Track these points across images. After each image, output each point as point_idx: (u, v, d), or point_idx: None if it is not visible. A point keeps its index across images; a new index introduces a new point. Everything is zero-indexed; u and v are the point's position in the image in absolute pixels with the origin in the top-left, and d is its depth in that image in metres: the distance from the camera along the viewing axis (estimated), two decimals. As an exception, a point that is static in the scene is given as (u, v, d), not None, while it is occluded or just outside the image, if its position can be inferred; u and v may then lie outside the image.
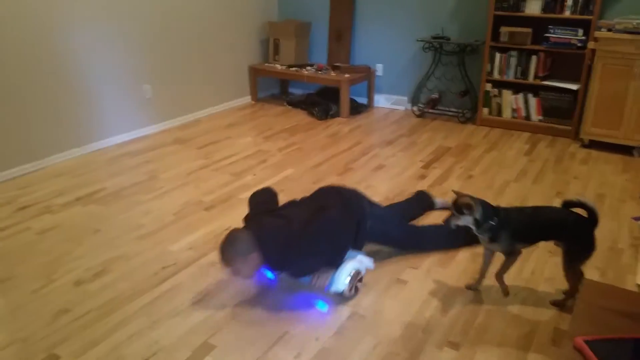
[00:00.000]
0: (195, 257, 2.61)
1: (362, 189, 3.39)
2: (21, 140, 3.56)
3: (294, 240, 2.14)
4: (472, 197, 2.07)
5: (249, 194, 3.28)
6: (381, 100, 5.44)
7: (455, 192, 2.15)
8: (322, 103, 5.08)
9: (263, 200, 2.54)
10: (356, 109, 5.18)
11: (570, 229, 2.12)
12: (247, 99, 5.56)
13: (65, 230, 2.86)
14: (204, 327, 2.10)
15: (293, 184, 3.47)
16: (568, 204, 2.14)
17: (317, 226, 2.18)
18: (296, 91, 5.94)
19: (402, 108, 5.33)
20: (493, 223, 2.08)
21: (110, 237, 2.79)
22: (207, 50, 4.92)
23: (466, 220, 2.07)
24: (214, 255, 2.61)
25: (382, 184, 3.48)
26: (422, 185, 3.45)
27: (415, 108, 5.15)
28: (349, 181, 3.52)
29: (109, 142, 4.18)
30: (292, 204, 2.51)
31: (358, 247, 2.38)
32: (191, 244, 2.73)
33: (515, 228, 2.13)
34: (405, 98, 5.31)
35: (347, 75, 4.99)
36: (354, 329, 2.10)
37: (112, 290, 2.33)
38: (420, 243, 2.68)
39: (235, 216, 3.03)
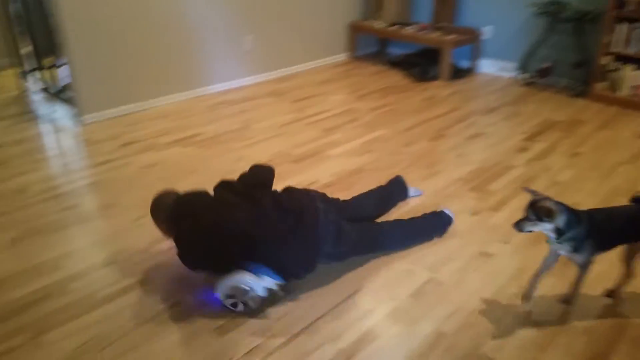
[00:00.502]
0: (281, 206, 2.67)
1: (454, 156, 3.28)
2: (132, 81, 3.79)
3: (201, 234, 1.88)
4: (553, 201, 1.76)
5: (337, 150, 3.32)
6: (486, 66, 5.16)
7: (530, 192, 1.83)
8: (421, 64, 4.92)
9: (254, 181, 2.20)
10: (457, 73, 4.96)
11: None
12: (344, 56, 5.51)
13: (165, 167, 3.03)
14: (283, 273, 2.17)
15: (383, 145, 3.42)
16: (637, 200, 1.92)
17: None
18: (395, 51, 5.78)
19: (508, 75, 5.03)
20: (581, 230, 1.79)
21: (205, 178, 2.92)
22: (309, 5, 4.90)
23: (544, 228, 1.78)
24: (299, 207, 2.66)
25: (477, 153, 3.34)
26: (522, 159, 3.27)
27: (523, 76, 4.83)
28: (441, 147, 3.41)
29: (209, 90, 4.34)
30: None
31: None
32: (278, 194, 2.79)
33: (602, 235, 1.84)
34: (513, 65, 5.00)
35: (450, 37, 4.76)
36: (430, 294, 2.07)
37: (202, 228, 2.46)
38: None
39: (321, 171, 3.05)
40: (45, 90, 4.19)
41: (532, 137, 3.61)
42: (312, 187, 2.85)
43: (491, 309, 2.00)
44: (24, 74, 4.29)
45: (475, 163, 3.20)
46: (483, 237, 2.46)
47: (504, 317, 1.95)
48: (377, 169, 3.09)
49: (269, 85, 4.59)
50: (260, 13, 4.49)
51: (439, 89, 4.62)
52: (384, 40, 5.79)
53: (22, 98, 4.08)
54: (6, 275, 2.12)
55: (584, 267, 1.90)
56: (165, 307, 1.95)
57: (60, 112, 3.79)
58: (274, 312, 1.95)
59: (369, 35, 5.60)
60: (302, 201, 2.04)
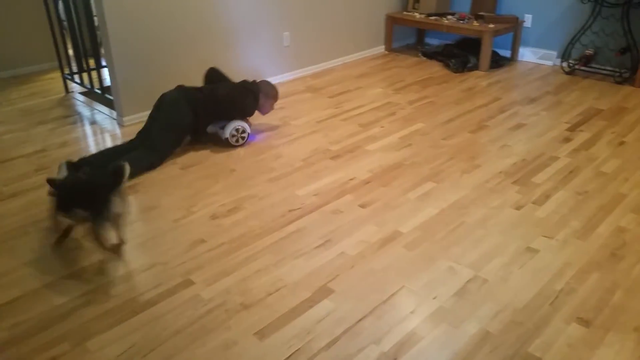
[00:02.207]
0: (319, 203, 2.68)
1: (496, 148, 3.22)
2: (169, 82, 3.85)
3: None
4: None
5: (375, 145, 3.30)
6: (527, 54, 5.02)
7: None
8: (460, 55, 4.82)
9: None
10: (497, 63, 4.85)
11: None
12: (381, 48, 5.46)
13: (205, 167, 3.08)
14: (324, 271, 2.18)
15: (422, 139, 3.38)
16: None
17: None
18: (433, 41, 5.69)
19: (550, 64, 4.88)
20: None
21: (244, 177, 2.96)
22: (345, -3, 4.87)
23: None
24: (338, 204, 2.66)
25: (520, 145, 3.26)
26: (566, 150, 3.17)
27: (565, 64, 4.68)
28: (482, 139, 3.34)
29: (246, 87, 4.37)
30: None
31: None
32: (317, 190, 2.80)
33: None
34: (555, 53, 4.84)
35: (491, 26, 4.65)
36: (475, 293, 2.03)
37: (243, 227, 2.49)
38: None
39: (360, 167, 3.04)
40: (88, 92, 4.31)
41: (575, 127, 3.50)
42: (349, 184, 2.85)
43: (538, 306, 1.95)
44: (68, 76, 4.43)
45: (518, 155, 3.12)
46: (527, 232, 2.40)
47: (551, 315, 1.91)
48: (416, 164, 3.06)
49: (306, 81, 4.60)
50: (297, 8, 4.49)
51: (478, 79, 4.53)
52: (421, 32, 5.70)
53: (66, 100, 4.21)
54: (48, 281, 2.15)
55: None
56: (206, 311, 1.98)
57: (102, 114, 3.90)
58: (315, 313, 1.96)
59: (406, 27, 5.53)
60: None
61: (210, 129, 3.35)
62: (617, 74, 4.40)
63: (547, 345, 1.77)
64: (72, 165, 2.66)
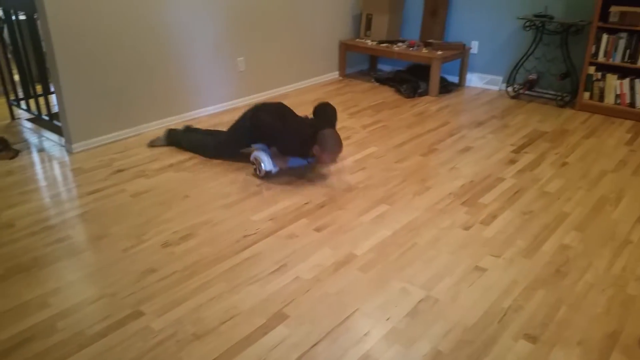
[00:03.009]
0: (274, 228, 2.68)
1: (446, 171, 3.31)
2: (121, 107, 3.80)
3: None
4: None
5: (330, 170, 3.33)
6: (474, 80, 5.22)
7: None
8: (411, 80, 4.97)
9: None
10: (446, 88, 5.02)
11: None
12: (335, 74, 5.56)
13: (157, 194, 3.04)
14: (279, 296, 2.17)
15: (376, 162, 3.45)
16: None
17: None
18: (385, 67, 5.85)
19: (495, 88, 5.09)
20: None
21: (198, 203, 2.93)
22: (300, 24, 4.96)
23: None
24: (293, 228, 2.67)
25: (468, 167, 3.36)
26: (512, 171, 3.30)
27: (510, 89, 4.90)
28: (433, 162, 3.44)
29: (202, 113, 4.36)
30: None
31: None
32: (272, 215, 2.80)
33: None
34: (500, 78, 5.06)
35: (439, 53, 4.83)
36: (427, 313, 2.07)
37: (196, 254, 2.45)
38: None
39: (315, 190, 3.06)
40: (35, 118, 4.20)
41: (520, 149, 3.65)
42: (305, 208, 2.87)
43: (486, 324, 2.00)
44: (14, 102, 4.31)
45: (466, 177, 3.23)
46: (476, 251, 2.47)
47: (499, 333, 1.96)
48: (370, 187, 3.11)
49: (260, 106, 4.61)
50: (251, 34, 4.53)
51: (429, 104, 4.67)
52: (374, 58, 5.86)
53: (12, 127, 4.08)
54: (-6, 312, 2.06)
55: None
56: (156, 343, 1.93)
57: (50, 141, 3.80)
58: (269, 340, 1.94)
59: (359, 53, 5.67)
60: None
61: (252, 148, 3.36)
62: (559, 97, 4.63)
63: (496, 363, 1.82)
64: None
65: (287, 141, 3.16)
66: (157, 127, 4.05)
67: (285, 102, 4.70)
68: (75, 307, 2.11)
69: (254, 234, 2.63)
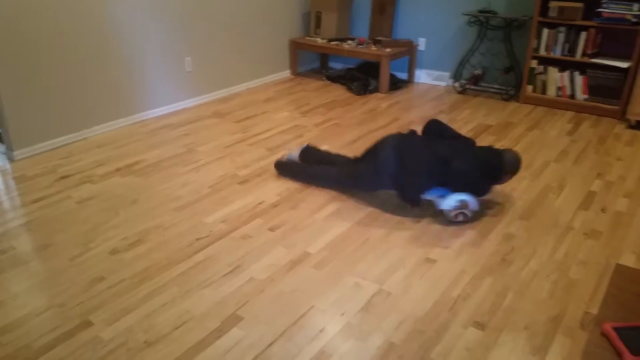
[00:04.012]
0: (228, 229, 2.66)
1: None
2: (64, 111, 3.68)
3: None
4: None
5: (282, 168, 3.34)
6: (422, 76, 5.32)
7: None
8: (361, 78, 5.02)
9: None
10: (396, 85, 5.10)
11: None
12: (287, 73, 5.56)
13: (104, 200, 2.96)
14: (233, 298, 2.15)
15: (327, 160, 3.47)
16: None
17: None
18: (336, 65, 5.88)
19: (443, 84, 5.21)
20: None
21: (147, 207, 2.87)
22: (249, 23, 4.92)
23: None
24: (247, 229, 2.66)
25: (418, 162, 3.43)
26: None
27: (457, 84, 5.02)
28: (383, 158, 3.49)
29: (149, 115, 4.27)
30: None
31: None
32: (225, 217, 2.78)
33: None
34: (447, 74, 5.18)
35: (388, 50, 4.89)
36: (380, 306, 2.10)
37: (146, 260, 2.41)
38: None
39: (269, 190, 3.06)
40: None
41: (469, 143, 3.74)
42: (258, 209, 2.86)
43: (437, 313, 2.05)
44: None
45: (417, 172, 3.29)
46: (426, 243, 2.53)
47: (449, 321, 2.01)
48: (322, 185, 3.13)
49: (211, 107, 4.57)
50: (198, 34, 4.47)
51: (379, 101, 4.73)
52: (325, 56, 5.88)
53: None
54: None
55: None
56: (106, 352, 1.88)
57: (-8, 149, 3.64)
58: (224, 343, 1.93)
59: (310, 52, 5.68)
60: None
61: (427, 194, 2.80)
62: (504, 91, 4.77)
63: (447, 351, 1.87)
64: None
65: (484, 186, 2.78)
66: (104, 131, 3.95)
67: (236, 102, 4.67)
68: (20, 320, 2.03)
69: (207, 236, 2.60)
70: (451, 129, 2.97)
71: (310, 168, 3.16)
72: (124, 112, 4.09)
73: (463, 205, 2.66)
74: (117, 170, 3.33)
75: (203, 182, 3.16)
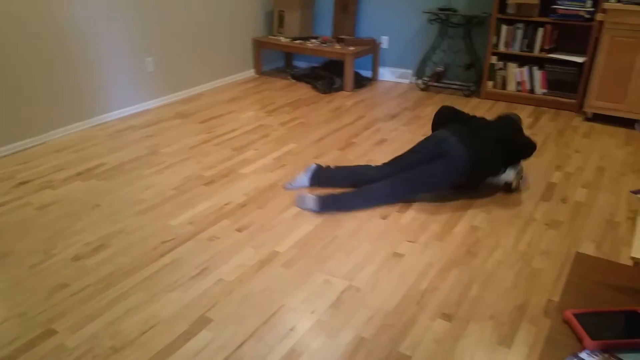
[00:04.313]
0: (194, 231, 2.63)
1: (363, 162, 3.39)
2: (22, 115, 3.57)
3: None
4: None
5: (250, 168, 3.31)
6: (386, 74, 5.37)
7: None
8: (326, 76, 5.03)
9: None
10: (360, 83, 5.13)
11: None
12: (251, 72, 5.52)
13: (65, 205, 2.88)
14: (202, 301, 2.13)
15: (295, 158, 3.46)
16: None
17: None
18: (301, 64, 5.88)
19: (406, 81, 5.27)
20: None
21: (110, 212, 2.81)
22: (211, 23, 4.87)
23: None
24: (214, 230, 2.63)
25: (384, 159, 3.45)
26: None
27: (420, 81, 5.08)
28: (350, 156, 3.51)
29: (110, 117, 4.18)
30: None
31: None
32: (191, 219, 2.74)
33: None
34: (410, 71, 5.24)
35: (351, 48, 4.92)
36: (349, 302, 2.11)
37: (110, 265, 2.35)
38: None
39: (235, 191, 3.03)
40: None
41: (433, 138, 3.79)
42: (225, 209, 2.83)
43: (406, 307, 2.08)
44: None
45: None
46: (393, 239, 2.55)
47: (418, 314, 2.03)
48: (289, 184, 3.12)
49: (175, 107, 4.50)
50: (159, 33, 4.40)
51: (344, 99, 4.75)
52: (289, 55, 5.87)
53: None
54: None
55: None
56: (74, 359, 1.84)
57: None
58: (193, 346, 1.90)
59: (274, 51, 5.66)
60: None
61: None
62: (465, 87, 4.86)
63: (416, 343, 1.89)
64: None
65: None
66: (62, 135, 3.84)
67: (200, 103, 4.62)
68: (-22, 332, 1.96)
69: (173, 239, 2.56)
70: (462, 112, 3.15)
71: (349, 194, 2.86)
72: (84, 115, 3.98)
73: (520, 170, 3.02)
74: (78, 174, 3.25)
75: (167, 184, 3.11)
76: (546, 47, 4.29)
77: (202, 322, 2.01)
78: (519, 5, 4.26)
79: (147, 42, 4.32)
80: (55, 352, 1.86)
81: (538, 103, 4.48)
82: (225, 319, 2.02)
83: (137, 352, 1.86)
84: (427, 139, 2.94)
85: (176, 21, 4.53)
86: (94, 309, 2.08)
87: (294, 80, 5.33)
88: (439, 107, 4.45)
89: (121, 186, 3.09)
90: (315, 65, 5.53)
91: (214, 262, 2.38)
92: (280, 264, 2.37)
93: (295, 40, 5.25)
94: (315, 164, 3.11)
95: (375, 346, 1.88)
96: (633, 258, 2.02)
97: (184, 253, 2.45)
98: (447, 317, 2.02)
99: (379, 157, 3.48)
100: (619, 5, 3.71)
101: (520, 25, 4.34)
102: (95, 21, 3.89)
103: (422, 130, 3.95)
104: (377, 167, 3.01)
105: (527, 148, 2.92)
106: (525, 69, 4.44)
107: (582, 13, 4.05)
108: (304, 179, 3.05)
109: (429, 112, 4.37)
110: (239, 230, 2.64)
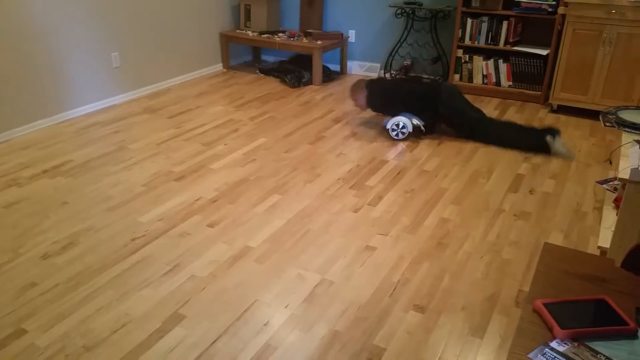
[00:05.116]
0: (165, 228, 2.60)
1: (334, 157, 3.41)
2: (-17, 112, 3.46)
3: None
4: None
5: (220, 163, 3.29)
6: (354, 67, 5.39)
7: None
8: (295, 70, 5.02)
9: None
10: (329, 76, 5.14)
11: None
12: (219, 66, 5.46)
13: (32, 203, 2.81)
14: (174, 297, 2.11)
15: (265, 153, 3.46)
16: None
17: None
18: (269, 58, 5.85)
19: (374, 75, 5.30)
20: None
21: (78, 209, 2.75)
22: (177, 17, 4.79)
23: None
24: (185, 226, 2.61)
25: (354, 152, 3.49)
26: (393, 153, 3.47)
27: (387, 75, 5.12)
28: (321, 150, 3.52)
29: (76, 113, 4.08)
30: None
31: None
32: (161, 215, 2.71)
33: None
34: (378, 65, 5.27)
35: (319, 42, 4.92)
36: (323, 296, 2.13)
37: (80, 263, 2.31)
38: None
39: (206, 186, 3.01)
40: None
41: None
42: (196, 205, 2.81)
43: (378, 300, 2.11)
44: None
45: (353, 161, 3.34)
46: (365, 232, 2.58)
47: (391, 306, 2.07)
48: (261, 178, 3.12)
49: (142, 102, 4.43)
50: (124, 28, 4.31)
51: (313, 93, 4.75)
52: (257, 49, 5.83)
53: None
54: None
55: None
56: (45, 359, 1.80)
57: None
58: (166, 343, 1.89)
59: (242, 45, 5.61)
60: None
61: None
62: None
63: (389, 335, 1.92)
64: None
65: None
66: (27, 132, 3.73)
67: (168, 97, 4.56)
68: (-59, 336, 1.90)
69: (143, 236, 2.53)
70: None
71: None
72: (49, 112, 3.88)
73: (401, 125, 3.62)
74: (45, 172, 3.17)
75: (136, 181, 3.07)
76: (511, 40, 4.39)
77: (175, 319, 2.00)
78: None
79: (112, 37, 4.22)
80: (27, 352, 1.82)
81: (504, 95, 4.58)
82: (199, 316, 2.02)
83: (109, 350, 1.84)
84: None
85: (142, 15, 4.44)
86: (64, 307, 2.04)
87: (262, 75, 5.30)
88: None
89: (89, 183, 3.03)
90: (284, 59, 5.50)
91: (186, 258, 2.37)
92: (253, 259, 2.37)
93: (262, 34, 5.22)
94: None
95: (349, 339, 1.90)
96: (600, 247, 2.10)
97: (155, 250, 2.42)
98: (420, 308, 2.06)
99: (349, 150, 3.50)
100: None
101: (485, 18, 4.42)
102: (60, 16, 3.78)
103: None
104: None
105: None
106: (490, 62, 4.53)
107: (545, 6, 4.15)
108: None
109: (398, 105, 4.41)
110: (210, 225, 2.63)
